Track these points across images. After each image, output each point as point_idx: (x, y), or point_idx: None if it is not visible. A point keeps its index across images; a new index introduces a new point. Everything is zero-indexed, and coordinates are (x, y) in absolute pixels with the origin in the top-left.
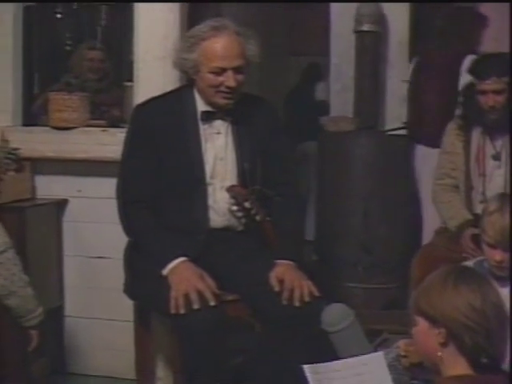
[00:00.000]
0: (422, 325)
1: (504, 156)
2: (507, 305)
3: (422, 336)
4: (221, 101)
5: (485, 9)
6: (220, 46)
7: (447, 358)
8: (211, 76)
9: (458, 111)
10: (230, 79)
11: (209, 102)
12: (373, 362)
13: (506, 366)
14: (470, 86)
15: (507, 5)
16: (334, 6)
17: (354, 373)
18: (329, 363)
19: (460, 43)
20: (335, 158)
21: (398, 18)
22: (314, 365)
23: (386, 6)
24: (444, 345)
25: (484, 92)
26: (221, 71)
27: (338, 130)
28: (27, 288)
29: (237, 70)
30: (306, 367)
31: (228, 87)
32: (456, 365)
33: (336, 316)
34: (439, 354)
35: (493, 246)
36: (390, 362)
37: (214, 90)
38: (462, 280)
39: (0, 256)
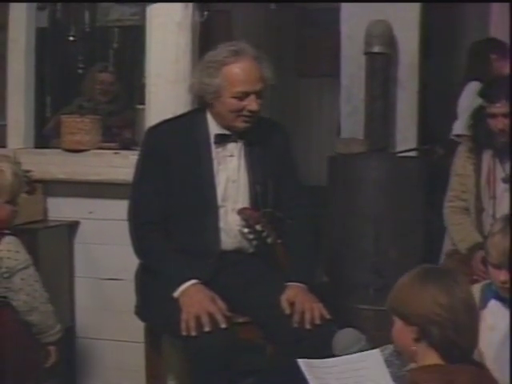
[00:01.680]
0: (397, 323)
1: None
2: None
3: (398, 333)
4: (241, 125)
5: None
6: (242, 70)
7: (421, 352)
8: (234, 101)
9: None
10: (252, 103)
11: (226, 126)
12: (369, 359)
13: (475, 356)
14: (480, 109)
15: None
16: (344, 27)
17: (351, 368)
18: (325, 359)
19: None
20: (346, 179)
21: (408, 39)
22: (309, 360)
23: (395, 27)
24: (417, 340)
25: (494, 115)
26: (244, 95)
27: (349, 152)
28: (48, 304)
29: (258, 93)
30: (300, 361)
31: (250, 111)
32: (429, 357)
33: (347, 341)
34: (413, 348)
35: (497, 267)
36: (387, 358)
37: (236, 115)
38: (428, 278)
39: (22, 272)
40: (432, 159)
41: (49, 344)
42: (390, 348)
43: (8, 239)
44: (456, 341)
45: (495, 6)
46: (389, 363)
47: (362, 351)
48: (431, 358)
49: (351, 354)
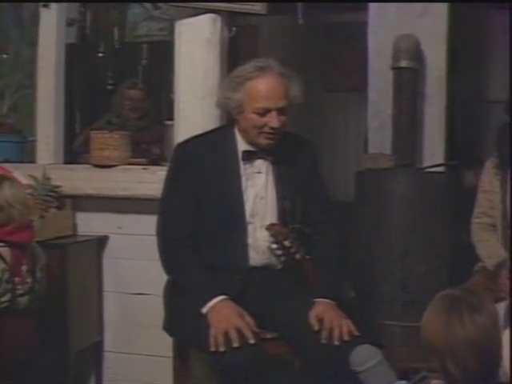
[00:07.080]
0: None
1: None
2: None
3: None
4: (264, 141)
5: None
6: (265, 86)
7: None
8: (255, 116)
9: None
10: (273, 120)
11: (251, 142)
12: None
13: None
14: (505, 125)
15: None
16: (371, 41)
17: None
18: None
19: None
20: (373, 195)
21: (436, 53)
22: None
23: (423, 41)
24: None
25: None
26: (265, 112)
27: (377, 168)
28: None
29: (281, 110)
30: None
31: (272, 128)
32: None
33: (363, 356)
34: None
35: None
36: None
37: (258, 131)
38: (450, 308)
39: None
40: (459, 174)
41: None
42: (416, 379)
43: None
44: (476, 370)
45: None
46: None
47: (379, 366)
48: None
49: (368, 368)
